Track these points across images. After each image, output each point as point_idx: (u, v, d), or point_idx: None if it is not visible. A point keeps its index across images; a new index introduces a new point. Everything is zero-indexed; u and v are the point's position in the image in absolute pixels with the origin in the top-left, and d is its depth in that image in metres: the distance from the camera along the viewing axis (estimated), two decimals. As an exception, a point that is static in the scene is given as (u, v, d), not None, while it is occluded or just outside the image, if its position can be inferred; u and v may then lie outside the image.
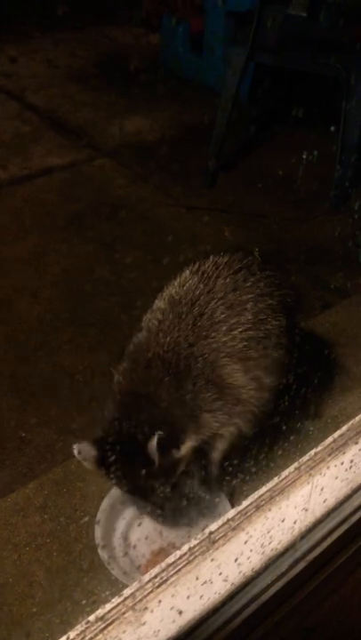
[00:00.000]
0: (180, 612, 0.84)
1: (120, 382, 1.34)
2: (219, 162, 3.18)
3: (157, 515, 1.37)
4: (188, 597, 0.83)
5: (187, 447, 1.30)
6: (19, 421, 2.03)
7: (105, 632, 0.77)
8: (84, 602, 1.12)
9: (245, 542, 0.87)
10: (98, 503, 1.45)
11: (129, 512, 1.45)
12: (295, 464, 1.02)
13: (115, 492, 1.45)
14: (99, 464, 1.25)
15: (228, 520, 0.89)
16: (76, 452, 1.23)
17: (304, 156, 3.34)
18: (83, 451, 1.23)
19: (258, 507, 0.91)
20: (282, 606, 0.98)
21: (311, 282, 2.61)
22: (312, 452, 1.03)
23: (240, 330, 1.39)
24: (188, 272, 1.47)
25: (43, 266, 2.70)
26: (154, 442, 1.19)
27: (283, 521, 0.93)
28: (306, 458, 1.04)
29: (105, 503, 1.44)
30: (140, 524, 1.44)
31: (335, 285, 2.52)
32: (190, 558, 0.85)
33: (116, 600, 0.79)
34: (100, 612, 0.82)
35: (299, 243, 2.88)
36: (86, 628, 0.80)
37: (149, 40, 4.52)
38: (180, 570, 0.83)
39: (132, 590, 0.82)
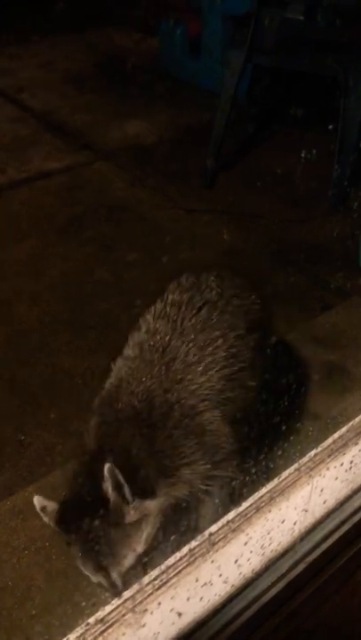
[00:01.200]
0: (180, 615, 0.83)
1: (88, 438, 1.27)
2: (217, 163, 3.19)
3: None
4: (187, 599, 0.83)
5: (157, 503, 1.20)
6: (18, 424, 2.02)
7: (105, 634, 0.76)
8: (83, 604, 1.12)
9: (245, 544, 0.87)
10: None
11: None
12: (295, 465, 1.01)
13: None
14: (58, 521, 1.15)
15: (228, 522, 0.89)
16: (35, 503, 1.14)
17: (303, 156, 3.35)
18: (41, 504, 1.15)
19: (258, 508, 0.91)
20: (282, 608, 0.97)
21: (311, 282, 2.61)
22: (312, 453, 1.03)
23: (216, 369, 1.37)
24: (150, 317, 1.44)
25: (42, 268, 2.70)
26: (105, 472, 1.08)
27: (283, 522, 0.93)
28: (306, 459, 1.04)
29: None
30: None
31: (335, 286, 2.51)
32: (190, 560, 0.85)
33: (115, 602, 0.79)
34: (99, 614, 0.82)
35: (298, 243, 2.88)
36: (86, 631, 0.79)
37: (147, 43, 4.53)
38: (180, 572, 0.82)
39: (132, 592, 0.82)
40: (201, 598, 0.86)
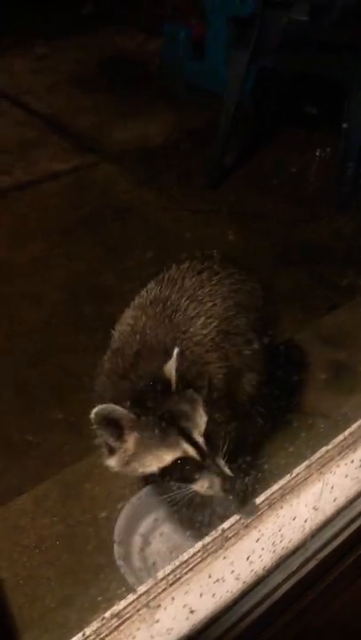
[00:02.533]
0: (193, 611, 0.84)
1: (114, 367, 1.28)
2: (222, 164, 3.19)
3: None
4: (200, 595, 0.84)
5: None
6: (25, 425, 2.03)
7: (119, 629, 0.77)
8: (92, 603, 1.12)
9: (257, 540, 0.88)
10: (106, 504, 1.46)
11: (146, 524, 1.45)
12: (306, 462, 1.02)
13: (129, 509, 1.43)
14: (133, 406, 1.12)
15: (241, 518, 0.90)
16: (93, 418, 1.13)
17: (307, 157, 3.36)
18: (100, 414, 1.12)
19: (270, 505, 0.91)
20: (292, 605, 0.98)
21: (316, 282, 2.61)
22: (323, 450, 1.03)
23: (215, 324, 1.39)
24: (153, 282, 1.47)
25: (48, 270, 2.71)
26: (172, 361, 1.11)
27: (294, 519, 0.93)
28: (316, 456, 1.04)
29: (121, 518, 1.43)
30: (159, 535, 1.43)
31: (340, 285, 2.52)
32: (203, 556, 0.85)
33: (130, 597, 0.79)
34: (115, 608, 0.82)
35: (303, 243, 2.89)
36: (102, 625, 0.80)
37: (151, 44, 4.54)
38: (192, 568, 0.83)
39: (147, 587, 0.82)
40: (213, 595, 0.87)
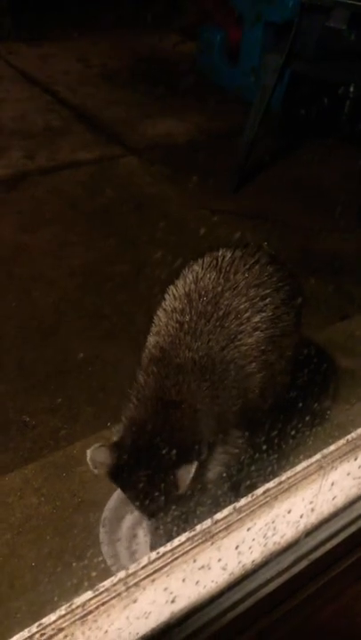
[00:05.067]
0: (174, 596, 0.79)
1: (147, 386, 1.21)
2: (246, 167, 3.17)
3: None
4: (183, 580, 0.79)
5: (214, 473, 1.20)
6: (24, 406, 2.00)
7: (97, 610, 0.73)
8: (72, 585, 1.08)
9: (248, 529, 0.83)
10: (96, 489, 1.41)
11: None
12: (304, 463, 0.97)
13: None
14: (112, 474, 1.13)
15: (235, 509, 0.85)
16: (88, 456, 1.10)
17: (334, 167, 3.32)
18: (97, 456, 1.10)
19: (265, 494, 0.87)
20: (281, 605, 0.92)
21: (333, 292, 2.56)
22: (326, 450, 0.99)
23: (263, 329, 1.31)
24: (199, 267, 1.37)
25: (62, 256, 2.70)
26: (189, 468, 1.07)
27: (289, 512, 0.88)
28: (318, 456, 1.00)
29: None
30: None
31: (357, 296, 2.47)
32: (192, 545, 0.81)
33: (111, 579, 0.75)
34: (88, 593, 0.78)
35: (323, 253, 2.84)
36: (78, 606, 0.76)
37: (186, 47, 4.55)
38: (178, 557, 0.78)
39: (129, 571, 0.78)
40: (197, 582, 0.82)
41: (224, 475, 1.20)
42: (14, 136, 3.41)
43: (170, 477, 1.08)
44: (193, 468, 1.07)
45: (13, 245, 2.70)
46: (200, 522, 0.81)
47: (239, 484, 1.16)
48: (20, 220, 2.84)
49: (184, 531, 0.76)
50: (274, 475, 0.87)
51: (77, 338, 2.29)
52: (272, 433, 1.25)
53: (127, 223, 2.88)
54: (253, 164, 3.27)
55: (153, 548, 1.20)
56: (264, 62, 3.03)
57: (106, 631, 0.73)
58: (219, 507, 0.88)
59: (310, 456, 0.88)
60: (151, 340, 1.32)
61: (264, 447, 1.18)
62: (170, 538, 1.12)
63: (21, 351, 2.24)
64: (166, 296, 1.37)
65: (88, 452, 1.10)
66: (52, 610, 0.79)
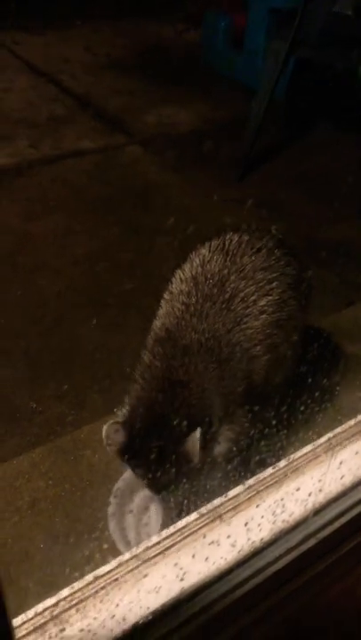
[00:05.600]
0: (184, 572, 0.80)
1: (153, 366, 1.22)
2: (251, 156, 3.15)
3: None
4: (193, 556, 0.80)
5: (221, 449, 1.21)
6: (31, 393, 2.01)
7: (108, 586, 0.74)
8: (81, 564, 1.09)
9: (257, 506, 0.83)
10: (104, 472, 1.42)
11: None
12: (312, 444, 0.98)
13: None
14: (123, 451, 1.15)
15: (245, 487, 0.86)
16: (104, 433, 1.12)
17: (339, 156, 3.30)
18: (111, 433, 1.13)
19: (273, 474, 0.87)
20: (289, 583, 0.93)
21: (338, 280, 2.56)
22: (335, 431, 0.99)
23: (269, 312, 1.32)
24: (206, 250, 1.37)
25: (66, 245, 2.70)
26: (196, 436, 1.08)
27: (297, 490, 0.89)
28: (327, 437, 1.00)
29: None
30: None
31: (361, 284, 2.47)
32: (201, 523, 0.82)
33: (120, 558, 0.76)
34: (103, 568, 0.79)
35: (328, 241, 2.83)
36: (88, 584, 0.76)
37: (190, 35, 4.52)
38: (186, 526, 0.79)
39: (138, 551, 0.78)
40: (207, 558, 0.82)
41: (234, 449, 1.21)
42: (19, 125, 3.40)
43: (179, 448, 1.09)
44: (199, 436, 1.08)
45: (18, 234, 2.70)
46: (210, 498, 0.81)
47: (249, 459, 1.17)
48: (24, 209, 2.84)
49: (195, 505, 0.76)
50: (283, 450, 0.87)
51: (83, 326, 2.29)
52: (281, 408, 1.25)
53: (130, 211, 2.88)
54: (258, 153, 3.26)
55: (165, 523, 1.22)
56: (269, 49, 3.01)
57: (117, 605, 0.74)
58: (229, 481, 0.89)
59: (319, 433, 0.89)
60: (157, 322, 1.33)
61: (273, 422, 1.18)
62: (181, 513, 1.13)
63: (27, 339, 2.25)
64: (173, 279, 1.38)
65: (104, 428, 1.12)
66: (62, 587, 0.80)
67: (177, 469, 1.11)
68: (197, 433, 1.08)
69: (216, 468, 1.22)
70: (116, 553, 1.15)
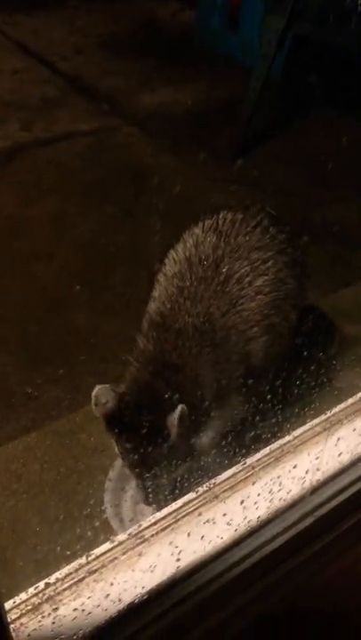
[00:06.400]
0: (179, 550, 0.79)
1: (147, 350, 1.21)
2: (247, 137, 3.11)
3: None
4: (188, 535, 0.78)
5: (208, 437, 1.21)
6: (26, 377, 2.00)
7: (103, 567, 0.72)
8: (77, 548, 1.08)
9: (253, 483, 0.82)
10: (100, 456, 1.41)
11: None
12: (310, 423, 0.96)
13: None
14: (110, 417, 1.14)
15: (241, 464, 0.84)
16: (94, 392, 1.13)
17: (337, 137, 3.25)
18: (101, 395, 1.13)
19: (270, 451, 0.86)
20: (286, 562, 0.92)
21: (334, 261, 2.54)
22: (333, 410, 0.98)
23: (265, 292, 1.29)
24: (199, 231, 1.35)
25: (61, 229, 2.67)
26: (176, 414, 1.07)
27: (294, 467, 0.87)
28: (322, 417, 0.99)
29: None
30: None
31: (358, 265, 2.45)
32: (198, 504, 0.81)
33: (115, 540, 0.74)
34: (96, 550, 0.78)
35: (324, 222, 2.81)
36: (83, 565, 0.75)
37: (185, 14, 4.44)
38: (181, 506, 0.78)
39: (133, 530, 0.77)
40: (202, 537, 0.81)
41: (227, 429, 1.20)
42: (10, 107, 3.35)
43: (159, 423, 1.09)
44: (179, 413, 1.07)
45: (12, 218, 2.67)
46: (205, 476, 0.80)
47: (244, 435, 1.16)
48: (17, 193, 2.80)
49: (190, 484, 0.75)
50: (279, 427, 0.86)
51: (78, 310, 2.27)
52: (276, 382, 1.24)
53: (125, 194, 2.84)
54: (255, 134, 3.21)
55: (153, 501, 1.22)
56: (265, 24, 2.95)
57: (112, 584, 0.73)
58: (224, 459, 0.88)
59: (317, 410, 0.87)
60: (152, 305, 1.31)
61: (268, 397, 1.17)
62: (174, 491, 1.13)
63: (23, 324, 2.23)
64: (166, 260, 1.35)
65: (95, 389, 1.12)
66: (58, 568, 0.79)
67: (155, 445, 1.11)
68: (178, 410, 1.07)
69: (211, 446, 1.21)
70: (111, 534, 1.14)
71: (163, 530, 0.79)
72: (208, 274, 1.26)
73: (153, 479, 1.16)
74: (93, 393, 1.12)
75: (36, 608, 0.73)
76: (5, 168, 2.94)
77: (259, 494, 0.84)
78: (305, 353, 1.27)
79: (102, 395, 1.13)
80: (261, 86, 2.95)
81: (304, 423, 0.99)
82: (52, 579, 0.76)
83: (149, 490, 1.18)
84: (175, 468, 1.16)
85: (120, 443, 1.16)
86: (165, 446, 1.11)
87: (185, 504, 0.80)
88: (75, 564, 0.78)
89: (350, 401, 1.05)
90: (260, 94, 2.97)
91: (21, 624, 0.67)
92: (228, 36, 3.97)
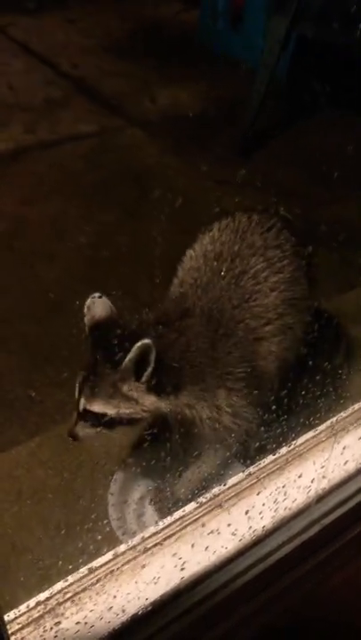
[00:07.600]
0: (183, 561, 0.78)
1: (152, 315, 1.22)
2: (251, 137, 3.10)
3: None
4: (192, 546, 0.77)
5: (163, 404, 1.14)
6: (29, 381, 1.98)
7: (104, 578, 0.71)
8: (80, 555, 1.07)
9: (258, 493, 0.81)
10: (104, 461, 1.40)
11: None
12: (314, 431, 0.95)
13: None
14: (93, 326, 1.19)
15: (245, 474, 0.83)
16: (87, 302, 1.18)
17: (342, 137, 3.23)
18: (94, 305, 1.20)
19: (275, 460, 0.85)
20: (291, 571, 0.91)
21: (339, 262, 2.52)
22: (338, 416, 0.97)
23: (281, 289, 1.29)
24: (216, 229, 1.37)
25: (64, 230, 2.65)
26: (137, 345, 1.06)
27: (299, 477, 0.86)
28: (329, 422, 0.98)
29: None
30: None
31: (363, 267, 2.42)
32: (202, 512, 0.79)
33: (119, 549, 0.74)
34: (101, 559, 0.77)
35: (329, 222, 2.78)
36: (85, 575, 0.74)
37: (188, 14, 4.42)
38: (184, 516, 0.76)
39: (137, 541, 0.76)
40: (206, 548, 0.80)
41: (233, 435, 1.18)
42: (14, 109, 3.34)
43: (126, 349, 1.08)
44: (139, 345, 1.06)
45: (15, 219, 2.66)
46: (209, 486, 0.79)
47: (249, 445, 1.14)
48: (21, 195, 2.79)
49: (193, 494, 0.74)
50: (283, 436, 0.84)
51: (81, 312, 2.26)
52: (281, 392, 1.22)
53: (129, 196, 2.83)
54: (258, 134, 3.19)
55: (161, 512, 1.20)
56: (269, 25, 2.93)
57: (115, 596, 0.72)
58: (228, 469, 0.86)
59: (322, 418, 0.86)
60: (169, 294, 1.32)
61: (273, 407, 1.16)
62: (178, 502, 1.11)
63: (25, 326, 2.22)
64: (184, 257, 1.38)
65: (89, 299, 1.18)
66: (60, 579, 0.78)
67: (110, 365, 1.12)
68: (141, 343, 1.06)
69: (215, 456, 1.19)
70: (115, 543, 1.13)
71: (166, 540, 0.78)
72: (223, 267, 1.27)
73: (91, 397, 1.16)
74: (86, 303, 1.19)
75: (37, 621, 0.72)
76: (9, 170, 2.93)
77: (264, 504, 0.83)
78: (310, 362, 1.26)
79: (95, 307, 1.21)
80: (265, 88, 2.93)
81: (309, 430, 0.98)
82: (53, 590, 0.76)
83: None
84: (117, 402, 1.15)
85: (94, 349, 1.18)
86: (117, 370, 1.11)
87: (188, 514, 0.78)
88: (76, 576, 0.77)
89: (356, 406, 1.04)
90: (264, 95, 2.95)
91: (22, 638, 0.66)
92: (231, 35, 3.95)
